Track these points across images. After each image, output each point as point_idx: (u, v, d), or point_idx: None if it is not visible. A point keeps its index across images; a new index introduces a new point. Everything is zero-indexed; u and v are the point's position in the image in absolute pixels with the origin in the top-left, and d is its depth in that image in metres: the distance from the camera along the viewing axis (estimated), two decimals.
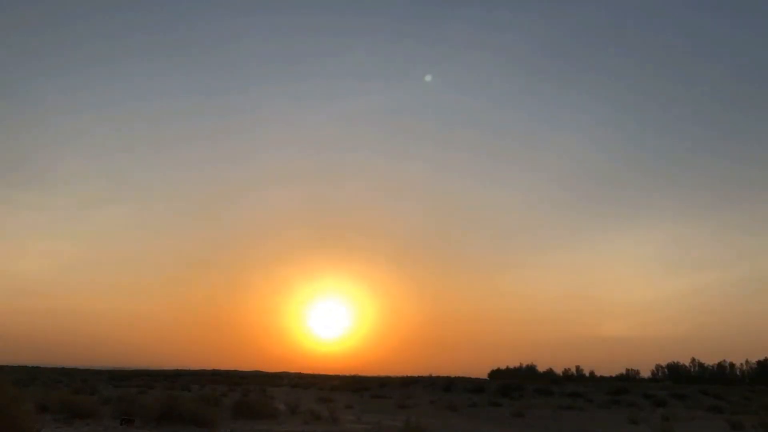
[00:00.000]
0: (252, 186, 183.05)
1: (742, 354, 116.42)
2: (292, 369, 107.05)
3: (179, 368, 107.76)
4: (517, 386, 45.06)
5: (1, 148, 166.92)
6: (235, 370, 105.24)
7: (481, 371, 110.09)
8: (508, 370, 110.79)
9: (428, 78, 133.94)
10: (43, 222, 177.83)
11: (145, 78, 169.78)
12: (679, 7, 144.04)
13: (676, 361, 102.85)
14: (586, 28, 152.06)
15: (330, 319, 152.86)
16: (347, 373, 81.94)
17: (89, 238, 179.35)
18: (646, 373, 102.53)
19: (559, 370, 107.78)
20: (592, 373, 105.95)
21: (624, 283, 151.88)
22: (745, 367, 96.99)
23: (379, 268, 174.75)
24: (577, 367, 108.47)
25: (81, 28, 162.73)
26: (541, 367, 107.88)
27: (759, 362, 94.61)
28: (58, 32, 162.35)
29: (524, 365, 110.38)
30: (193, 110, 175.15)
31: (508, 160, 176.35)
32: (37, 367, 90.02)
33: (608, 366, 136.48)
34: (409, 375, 62.45)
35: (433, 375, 63.11)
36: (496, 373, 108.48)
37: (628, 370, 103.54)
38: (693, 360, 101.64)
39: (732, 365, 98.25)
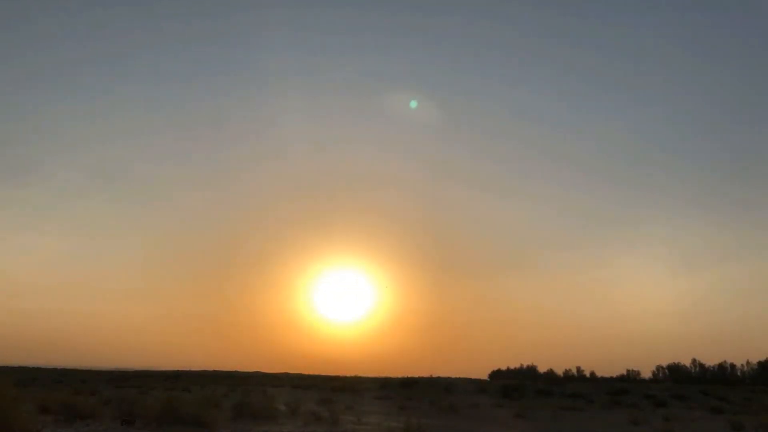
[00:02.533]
0: (252, 183, 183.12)
1: (742, 355, 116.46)
2: (293, 370, 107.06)
3: (180, 369, 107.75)
4: (517, 387, 45.00)
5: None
6: (236, 371, 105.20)
7: (481, 372, 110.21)
8: (508, 370, 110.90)
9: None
10: (40, 222, 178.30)
11: (143, 72, 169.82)
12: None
13: (676, 361, 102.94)
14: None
15: (333, 315, 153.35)
16: (348, 374, 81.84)
17: (88, 238, 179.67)
18: (646, 374, 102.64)
19: (559, 370, 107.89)
20: (592, 374, 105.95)
21: (625, 284, 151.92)
22: (745, 368, 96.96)
23: (381, 268, 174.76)
24: (578, 368, 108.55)
25: (70, 23, 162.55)
26: (542, 368, 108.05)
27: (760, 363, 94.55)
28: (44, 27, 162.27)
29: (525, 366, 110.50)
30: (193, 100, 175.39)
31: (514, 163, 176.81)
32: (38, 368, 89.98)
33: (609, 366, 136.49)
34: (409, 376, 62.32)
35: (434, 376, 63.03)
36: (496, 374, 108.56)
37: (628, 370, 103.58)
38: (694, 360, 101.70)
39: (733, 366, 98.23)
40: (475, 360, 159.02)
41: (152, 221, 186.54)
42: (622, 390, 43.45)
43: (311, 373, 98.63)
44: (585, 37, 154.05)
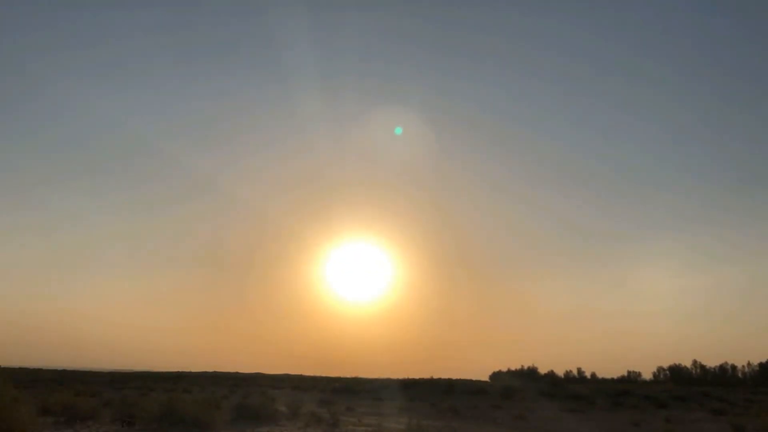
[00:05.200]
0: (254, 183, 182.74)
1: (743, 356, 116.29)
2: (294, 371, 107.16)
3: (180, 370, 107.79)
4: (518, 388, 44.94)
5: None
6: (237, 372, 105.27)
7: (482, 373, 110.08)
8: (509, 372, 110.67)
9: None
10: (40, 221, 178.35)
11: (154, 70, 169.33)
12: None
13: (677, 363, 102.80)
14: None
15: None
16: (349, 375, 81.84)
17: (90, 239, 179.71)
18: (647, 375, 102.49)
19: (560, 372, 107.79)
20: (593, 375, 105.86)
21: (626, 286, 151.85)
22: (746, 369, 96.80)
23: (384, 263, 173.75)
24: (579, 369, 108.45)
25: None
26: (543, 369, 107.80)
27: (761, 364, 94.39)
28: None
29: (525, 367, 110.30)
30: (201, 93, 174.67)
31: (518, 171, 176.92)
32: (38, 369, 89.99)
33: (609, 368, 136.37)
34: (410, 377, 62.26)
35: (434, 377, 62.91)
36: (497, 376, 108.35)
37: (629, 372, 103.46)
38: (695, 362, 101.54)
39: (734, 367, 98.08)
40: (475, 361, 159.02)
41: (152, 221, 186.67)
42: (623, 391, 43.38)
43: (312, 374, 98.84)
44: (586, 49, 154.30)
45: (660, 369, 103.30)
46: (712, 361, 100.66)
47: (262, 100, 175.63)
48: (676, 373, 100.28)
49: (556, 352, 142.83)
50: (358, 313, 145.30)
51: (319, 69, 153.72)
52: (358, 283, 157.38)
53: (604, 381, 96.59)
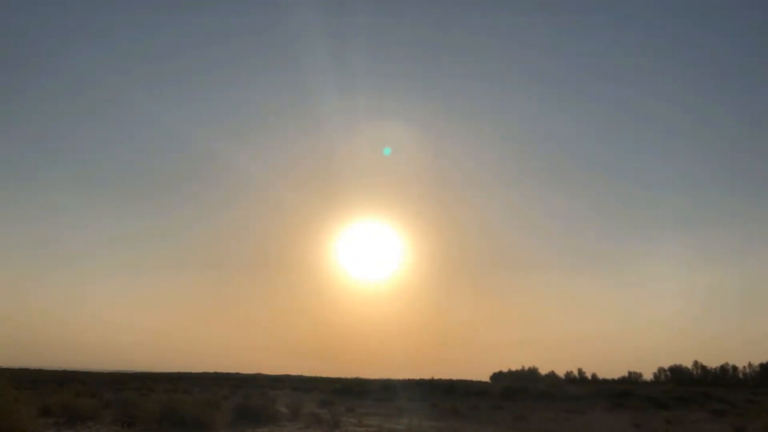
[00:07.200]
0: (258, 185, 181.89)
1: (744, 357, 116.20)
2: (294, 372, 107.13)
3: (180, 371, 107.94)
4: (519, 389, 44.93)
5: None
6: (237, 373, 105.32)
7: (482, 374, 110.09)
8: (510, 372, 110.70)
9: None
10: (39, 221, 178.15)
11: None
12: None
13: (678, 363, 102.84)
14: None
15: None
16: (349, 376, 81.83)
17: (90, 239, 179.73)
18: (648, 376, 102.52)
19: (561, 372, 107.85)
20: (594, 376, 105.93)
21: (626, 286, 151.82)
22: (747, 370, 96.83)
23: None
24: (579, 370, 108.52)
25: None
26: (543, 370, 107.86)
27: (761, 365, 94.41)
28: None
29: (526, 368, 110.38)
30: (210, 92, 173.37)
31: (524, 171, 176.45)
32: (39, 370, 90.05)
33: (610, 369, 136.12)
34: (410, 378, 62.30)
35: (435, 378, 62.92)
36: (497, 376, 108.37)
37: (630, 372, 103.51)
38: (695, 362, 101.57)
39: (735, 368, 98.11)
40: (476, 362, 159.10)
41: (152, 221, 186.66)
42: (624, 392, 43.39)
43: (312, 375, 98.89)
44: (589, 51, 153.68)
45: (661, 370, 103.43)
46: (712, 362, 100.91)
47: (278, 96, 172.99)
48: (676, 373, 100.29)
49: (557, 353, 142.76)
50: (361, 294, 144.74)
51: (333, 65, 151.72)
52: (363, 266, 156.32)
53: (605, 382, 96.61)
